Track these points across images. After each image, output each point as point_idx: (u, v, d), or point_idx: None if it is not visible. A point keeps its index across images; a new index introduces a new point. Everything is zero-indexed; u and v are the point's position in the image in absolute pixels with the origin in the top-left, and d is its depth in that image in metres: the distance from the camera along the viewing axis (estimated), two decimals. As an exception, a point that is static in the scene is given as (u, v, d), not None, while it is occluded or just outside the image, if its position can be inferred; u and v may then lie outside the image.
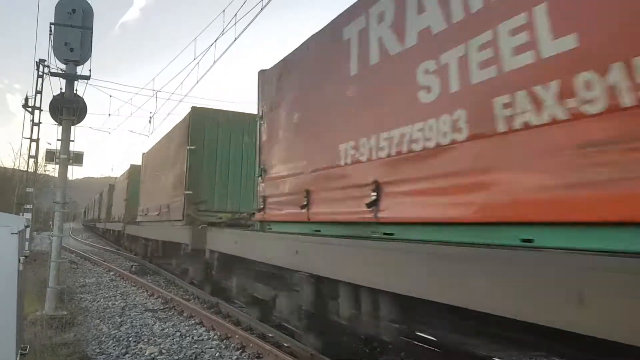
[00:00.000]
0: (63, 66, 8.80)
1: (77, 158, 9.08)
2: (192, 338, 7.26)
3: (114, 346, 6.88)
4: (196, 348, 6.77)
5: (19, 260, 3.32)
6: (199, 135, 11.80)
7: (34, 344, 6.47)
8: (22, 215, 18.79)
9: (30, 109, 19.69)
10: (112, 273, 15.45)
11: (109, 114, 19.12)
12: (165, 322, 8.28)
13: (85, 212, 66.85)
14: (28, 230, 18.74)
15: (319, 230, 5.72)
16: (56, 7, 8.74)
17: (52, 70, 8.86)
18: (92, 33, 8.79)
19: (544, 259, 2.80)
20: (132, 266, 16.17)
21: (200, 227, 10.05)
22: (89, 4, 8.84)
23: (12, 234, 3.25)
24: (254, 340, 6.69)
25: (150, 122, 19.21)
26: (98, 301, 10.41)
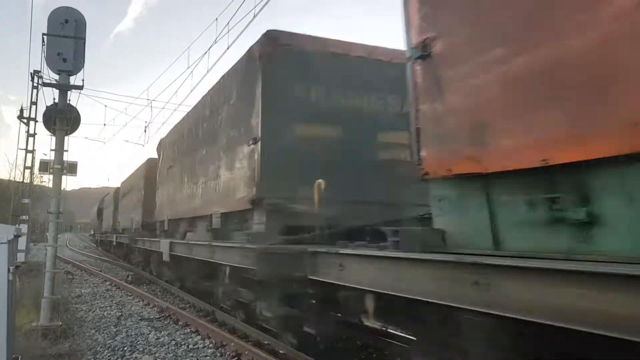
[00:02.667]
0: (56, 76, 8.81)
1: (71, 168, 9.08)
2: (188, 347, 7.24)
3: (109, 356, 6.85)
4: (191, 356, 6.75)
5: (9, 270, 3.31)
6: None
7: (28, 355, 6.46)
8: (18, 226, 18.76)
9: (25, 120, 19.74)
10: (108, 283, 15.40)
11: (104, 124, 19.16)
12: (161, 331, 8.26)
13: (99, 213, 37.82)
14: (23, 240, 18.75)
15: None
16: (49, 17, 8.75)
17: (45, 81, 8.87)
18: (84, 43, 8.79)
19: None
20: (128, 276, 16.12)
21: None
22: (81, 14, 8.85)
23: (1, 243, 3.25)
24: (249, 347, 6.68)
25: (145, 131, 19.18)
26: (94, 311, 10.37)
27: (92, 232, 51.21)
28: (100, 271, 18.86)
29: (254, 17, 9.84)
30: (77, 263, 22.83)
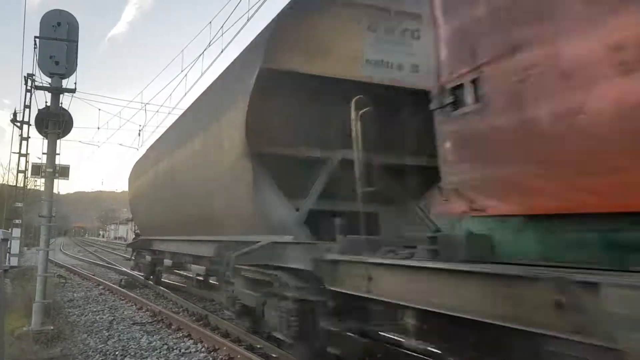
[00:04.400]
0: (49, 79, 8.79)
1: (63, 171, 9.04)
2: (180, 351, 7.20)
3: (100, 360, 6.82)
4: (183, 361, 6.72)
5: (-4, 273, 3.29)
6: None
7: (19, 360, 6.43)
8: (11, 230, 18.68)
9: (18, 124, 19.66)
10: (101, 287, 15.31)
11: (98, 128, 19.13)
12: (153, 335, 8.21)
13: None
14: (16, 244, 18.64)
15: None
16: (41, 20, 8.74)
17: (37, 84, 8.84)
18: (77, 46, 8.78)
19: None
20: (121, 280, 16.04)
21: None
22: (74, 17, 8.84)
23: (-12, 246, 3.22)
24: (242, 352, 6.65)
25: (139, 134, 19.14)
26: (86, 315, 10.31)
27: (135, 234, 19.39)
28: (94, 275, 18.76)
29: (248, 20, 9.90)
30: (70, 267, 22.71)
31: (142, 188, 13.96)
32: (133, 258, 17.04)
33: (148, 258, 14.58)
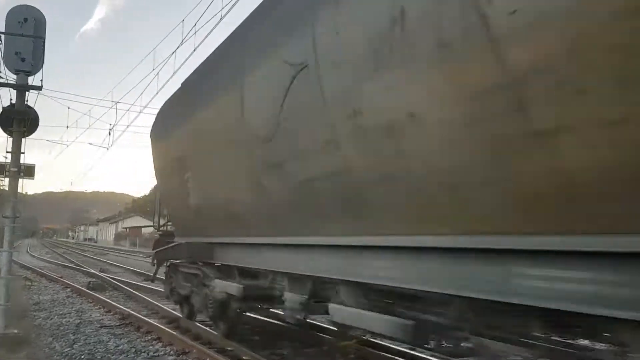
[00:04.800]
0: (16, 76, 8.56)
1: (29, 171, 8.77)
2: (148, 354, 7.06)
3: (66, 365, 6.65)
4: (151, 364, 6.60)
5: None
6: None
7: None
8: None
9: (-17, 122, 19.10)
10: (68, 290, 14.97)
11: (67, 126, 18.60)
12: (121, 339, 8.04)
13: None
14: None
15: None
16: (7, 15, 8.50)
17: (1, 81, 8.59)
18: (44, 43, 8.57)
19: None
20: (89, 282, 15.70)
21: None
22: (41, 13, 8.62)
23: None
24: (212, 354, 6.56)
25: (110, 134, 18.74)
26: (52, 318, 10.06)
27: (159, 233, 9.97)
28: (61, 277, 18.34)
29: (221, 19, 9.78)
30: (37, 269, 22.18)
31: (201, 139, 6.63)
32: (168, 278, 9.22)
33: (221, 285, 6.69)
